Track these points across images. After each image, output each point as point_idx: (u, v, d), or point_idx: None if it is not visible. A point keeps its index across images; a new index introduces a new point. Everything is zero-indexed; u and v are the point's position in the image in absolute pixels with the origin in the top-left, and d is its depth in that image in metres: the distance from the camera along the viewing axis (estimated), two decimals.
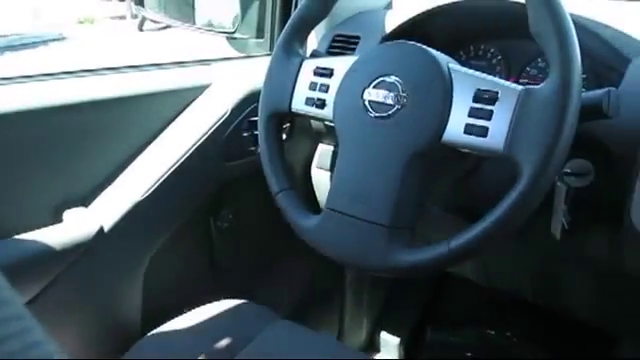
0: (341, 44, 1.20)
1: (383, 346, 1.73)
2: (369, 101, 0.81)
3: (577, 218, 0.93)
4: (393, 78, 0.80)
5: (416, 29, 1.12)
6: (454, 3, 1.08)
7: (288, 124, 1.28)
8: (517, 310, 1.60)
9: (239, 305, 1.04)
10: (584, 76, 0.96)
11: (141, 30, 9.43)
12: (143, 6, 1.34)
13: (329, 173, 1.25)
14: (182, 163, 1.11)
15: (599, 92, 0.75)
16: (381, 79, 0.81)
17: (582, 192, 0.91)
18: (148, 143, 1.11)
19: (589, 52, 0.95)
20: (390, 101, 0.79)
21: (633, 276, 0.91)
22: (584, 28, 0.93)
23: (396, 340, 1.70)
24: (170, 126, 1.14)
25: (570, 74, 0.68)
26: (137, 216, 1.06)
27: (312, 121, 1.26)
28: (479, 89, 0.74)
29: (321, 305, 1.59)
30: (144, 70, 1.16)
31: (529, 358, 1.59)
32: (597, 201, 0.90)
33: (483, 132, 0.73)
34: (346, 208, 0.81)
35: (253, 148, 1.22)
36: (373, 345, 1.75)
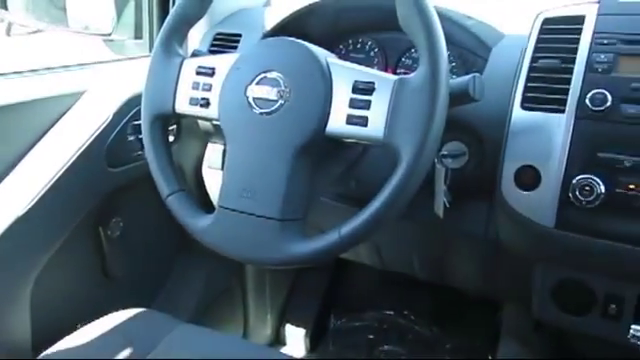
0: (222, 42, 1.20)
1: (289, 339, 1.76)
2: (253, 98, 0.82)
3: (457, 196, 1.00)
4: (275, 74, 0.81)
5: (295, 25, 1.14)
6: None
7: (174, 126, 1.26)
8: (412, 289, 1.68)
9: (137, 314, 1.01)
10: (453, 64, 1.04)
11: (8, 35, 8.79)
12: (6, 9, 1.26)
13: (221, 172, 1.24)
14: (63, 174, 1.06)
15: (466, 78, 0.81)
16: (263, 75, 0.82)
17: (459, 172, 0.97)
18: (23, 156, 1.05)
19: (455, 41, 1.02)
20: (273, 97, 0.80)
21: (507, 246, 0.99)
22: (449, 19, 0.99)
23: (301, 331, 1.73)
24: (47, 136, 1.08)
25: (438, 63, 0.72)
26: (18, 233, 1.00)
27: (199, 121, 1.25)
28: (357, 80, 0.77)
29: (223, 305, 1.59)
30: (11, 78, 1.09)
31: (427, 333, 1.68)
32: (473, 179, 0.97)
33: (364, 122, 0.76)
34: (238, 205, 0.81)
35: (140, 152, 1.18)
36: (279, 339, 1.77)
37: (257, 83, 0.82)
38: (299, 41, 0.83)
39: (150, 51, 1.27)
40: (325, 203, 1.10)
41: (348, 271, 1.83)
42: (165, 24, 0.92)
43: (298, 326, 1.75)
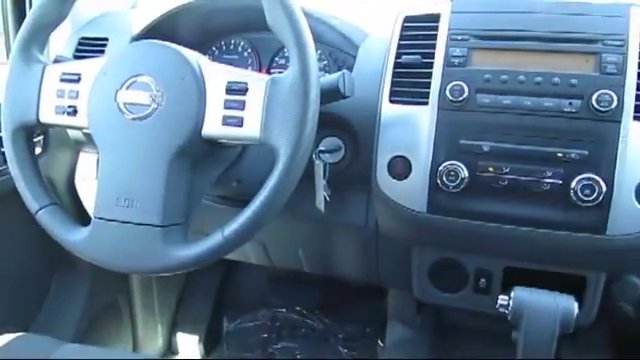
0: (88, 47, 1.15)
1: (182, 347, 1.72)
2: (124, 103, 0.79)
3: (337, 190, 1.03)
4: (145, 78, 0.79)
5: (165, 28, 1.12)
6: (197, 1, 1.10)
7: (41, 136, 1.19)
8: (302, 284, 1.71)
9: (13, 340, 0.95)
10: (324, 62, 1.07)
11: None
12: None
13: (95, 182, 1.19)
14: None
15: (335, 75, 0.84)
16: (133, 80, 0.80)
17: (337, 166, 1.01)
18: None
19: (324, 40, 1.05)
20: (145, 101, 0.78)
21: (385, 233, 1.04)
22: (316, 18, 1.02)
23: (194, 338, 1.71)
24: None
25: (307, 61, 0.74)
26: None
27: (69, 130, 1.19)
28: (230, 81, 0.77)
29: (110, 319, 1.52)
30: None
31: (319, 326, 1.72)
32: (350, 172, 1.01)
33: (239, 122, 0.76)
34: (115, 214, 0.79)
35: (3, 167, 1.10)
36: (172, 348, 1.73)
37: (127, 88, 0.80)
38: (169, 44, 0.82)
39: (7, 58, 1.19)
40: (208, 206, 1.10)
41: (238, 272, 1.82)
42: (22, 28, 0.87)
43: (191, 333, 1.72)
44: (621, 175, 0.82)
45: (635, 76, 0.82)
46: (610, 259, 0.88)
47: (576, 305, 0.84)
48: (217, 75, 0.78)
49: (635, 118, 0.82)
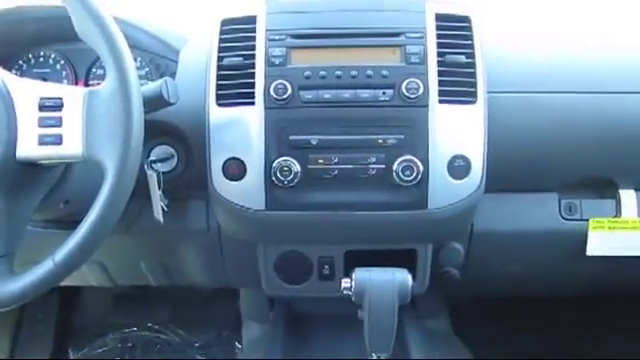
0: None
1: None
2: None
3: (175, 198, 1.02)
4: None
5: None
6: None
7: None
8: (150, 299, 1.66)
9: None
10: (146, 69, 1.04)
11: None
12: None
13: None
14: None
15: (157, 82, 0.82)
16: None
17: (172, 174, 0.99)
18: None
19: (143, 47, 1.02)
20: None
21: (229, 235, 1.04)
22: (130, 25, 0.99)
23: None
24: None
25: (124, 70, 0.72)
26: None
27: None
28: (42, 97, 0.73)
29: None
30: None
31: (174, 339, 1.68)
32: (186, 179, 1.00)
33: (58, 140, 0.72)
34: None
35: None
36: None
37: None
38: None
39: None
40: (35, 232, 1.01)
41: (78, 297, 1.71)
42: None
43: None
44: (434, 154, 0.90)
45: (435, 64, 0.91)
46: (434, 231, 0.97)
47: (410, 277, 0.91)
48: (27, 92, 0.73)
49: (440, 102, 0.91)
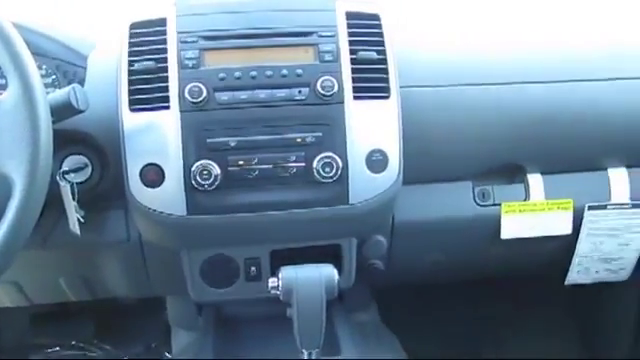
0: None
1: None
2: None
3: (92, 209, 0.98)
4: None
5: None
6: None
7: None
8: (72, 315, 1.59)
9: None
10: (53, 77, 1.00)
11: None
12: None
13: None
14: None
15: (65, 90, 0.79)
16: None
17: (87, 184, 0.96)
18: None
19: (47, 53, 0.98)
20: None
21: (151, 243, 1.02)
22: (31, 30, 0.95)
23: None
24: None
25: (27, 78, 0.69)
26: None
27: None
28: None
29: None
30: None
31: (99, 355, 1.62)
32: (103, 188, 0.97)
33: None
34: None
35: None
36: None
37: None
38: None
39: None
40: None
41: None
42: None
43: None
44: (352, 150, 0.92)
45: (348, 61, 0.93)
46: (356, 225, 0.99)
47: (336, 272, 0.93)
48: None
49: (355, 98, 0.93)
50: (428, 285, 1.38)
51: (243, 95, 0.91)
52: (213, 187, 0.90)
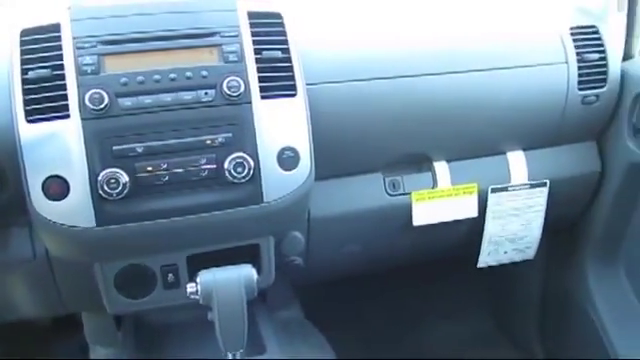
0: None
1: None
2: None
3: None
4: None
5: None
6: None
7: None
8: None
9: None
10: None
11: None
12: None
13: None
14: None
15: None
16: None
17: None
18: None
19: None
20: None
21: (60, 258, 0.98)
22: None
23: None
24: None
25: None
26: None
27: None
28: None
29: None
30: None
31: None
32: (4, 205, 0.92)
33: None
34: None
35: None
36: None
37: None
38: None
39: None
40: None
41: None
42: None
43: None
44: (263, 149, 0.92)
45: (253, 61, 0.93)
46: (272, 223, 1.00)
47: (254, 271, 0.93)
48: None
49: (262, 97, 0.93)
50: (349, 278, 1.40)
51: (148, 100, 0.89)
52: (122, 195, 0.87)
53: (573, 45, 1.18)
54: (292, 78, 0.95)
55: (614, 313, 1.32)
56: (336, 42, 1.11)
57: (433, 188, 1.17)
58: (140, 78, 0.89)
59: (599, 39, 1.20)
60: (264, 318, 1.21)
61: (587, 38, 1.20)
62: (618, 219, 1.29)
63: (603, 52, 1.19)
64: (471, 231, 1.25)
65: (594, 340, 1.34)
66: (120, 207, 0.88)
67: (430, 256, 1.39)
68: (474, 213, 1.20)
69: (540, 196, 1.23)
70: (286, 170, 0.94)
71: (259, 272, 0.97)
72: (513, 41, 1.18)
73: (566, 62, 1.17)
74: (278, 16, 0.99)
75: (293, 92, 0.95)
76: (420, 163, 1.18)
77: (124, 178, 0.87)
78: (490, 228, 1.25)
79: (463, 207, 1.19)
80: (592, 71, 1.19)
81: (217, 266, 0.93)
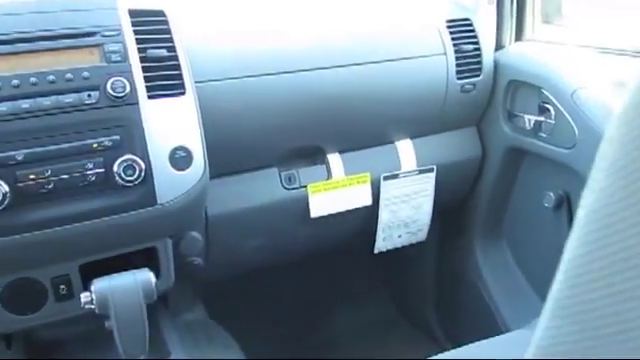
0: None
1: None
2: None
3: None
4: None
5: None
6: None
7: None
8: None
9: None
10: None
11: None
12: None
13: None
14: None
15: None
16: None
17: None
18: None
19: None
20: None
21: None
22: None
23: None
24: None
25: None
26: None
27: None
28: None
29: None
30: None
31: None
32: None
33: None
34: None
35: None
36: None
37: None
38: None
39: None
40: None
41: None
42: None
43: None
44: (153, 150, 0.90)
45: (138, 61, 0.91)
46: (168, 225, 0.98)
47: (152, 275, 0.91)
48: None
49: (149, 97, 0.91)
50: (251, 273, 1.41)
51: (25, 104, 0.84)
52: (3, 206, 0.82)
53: (450, 37, 1.25)
54: (180, 77, 0.94)
55: (500, 285, 1.42)
56: (223, 39, 1.10)
57: (328, 180, 1.20)
58: (15, 82, 0.84)
59: (473, 31, 1.28)
60: (167, 322, 1.19)
61: (462, 30, 1.27)
62: (499, 198, 1.39)
63: (477, 43, 1.27)
64: (367, 219, 1.29)
65: (485, 313, 1.43)
66: (1, 219, 0.83)
67: (330, 246, 1.42)
68: (368, 201, 1.25)
69: (428, 181, 1.30)
70: (179, 170, 0.93)
71: (158, 275, 0.95)
72: (394, 35, 1.24)
73: (444, 53, 1.24)
74: (161, 14, 0.97)
75: (182, 91, 0.94)
76: (314, 156, 1.21)
77: (4, 188, 0.82)
78: (384, 215, 1.30)
79: (358, 196, 1.23)
80: (468, 61, 1.27)
81: (114, 272, 0.90)
